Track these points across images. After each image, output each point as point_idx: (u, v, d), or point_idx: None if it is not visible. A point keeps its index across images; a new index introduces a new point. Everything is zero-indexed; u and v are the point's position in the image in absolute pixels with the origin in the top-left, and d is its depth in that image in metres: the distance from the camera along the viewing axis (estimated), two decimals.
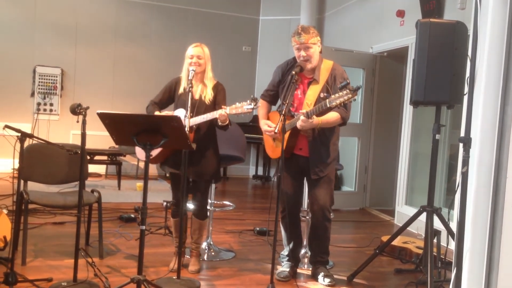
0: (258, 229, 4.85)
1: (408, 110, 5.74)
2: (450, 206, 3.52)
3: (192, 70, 3.43)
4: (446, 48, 3.20)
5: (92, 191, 3.87)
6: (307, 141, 3.45)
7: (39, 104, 7.55)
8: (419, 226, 4.42)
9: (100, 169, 7.65)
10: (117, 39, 8.05)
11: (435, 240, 3.42)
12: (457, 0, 4.83)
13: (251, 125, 7.47)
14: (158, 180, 7.73)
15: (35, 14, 7.60)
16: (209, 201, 4.16)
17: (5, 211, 3.29)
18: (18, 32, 7.51)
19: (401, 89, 6.40)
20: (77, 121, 3.11)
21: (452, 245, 2.72)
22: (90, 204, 3.83)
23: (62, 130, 7.58)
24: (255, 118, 5.63)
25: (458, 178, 2.51)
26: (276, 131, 3.24)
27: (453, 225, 2.72)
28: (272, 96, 3.70)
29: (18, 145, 3.19)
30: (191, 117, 3.38)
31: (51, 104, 7.64)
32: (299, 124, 3.28)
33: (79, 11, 7.82)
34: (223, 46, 8.40)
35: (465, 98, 2.49)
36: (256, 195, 7.75)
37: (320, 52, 3.47)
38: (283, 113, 3.14)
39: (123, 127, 2.91)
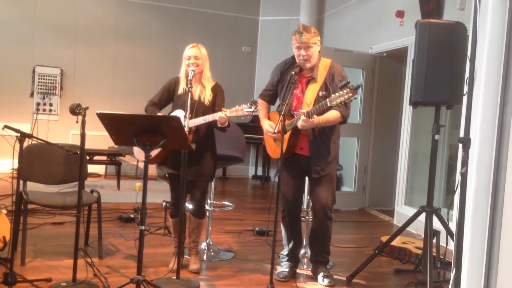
0: (257, 229, 4.85)
1: (407, 111, 5.74)
2: (450, 206, 3.53)
3: (192, 70, 3.43)
4: (445, 49, 3.20)
5: (92, 191, 3.86)
6: (308, 140, 3.45)
7: (38, 104, 7.55)
8: (418, 227, 4.42)
9: (100, 169, 7.65)
10: (117, 39, 8.05)
11: (434, 241, 3.42)
12: (456, 1, 4.83)
13: (250, 126, 7.47)
14: (158, 180, 7.73)
15: (35, 14, 7.60)
16: (209, 201, 4.16)
17: (4, 211, 3.29)
18: (17, 32, 7.51)
19: (401, 89, 6.40)
20: (77, 121, 3.11)
21: (452, 246, 2.72)
22: (90, 204, 3.83)
23: (61, 130, 7.58)
24: (255, 119, 5.62)
25: (458, 179, 2.51)
26: (275, 131, 3.24)
27: (453, 226, 2.72)
28: (270, 96, 3.70)
29: (17, 145, 3.19)
30: (190, 118, 3.38)
31: (51, 104, 7.63)
32: (299, 124, 3.28)
33: (79, 11, 7.81)
34: (222, 46, 8.40)
35: (465, 98, 2.49)
36: (256, 195, 7.75)
37: (319, 51, 3.47)
38: (282, 113, 3.14)
39: (122, 128, 2.91)
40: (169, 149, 3.44)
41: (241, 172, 8.75)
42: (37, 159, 3.86)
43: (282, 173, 3.21)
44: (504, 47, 2.31)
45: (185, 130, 3.12)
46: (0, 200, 5.05)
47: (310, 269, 3.73)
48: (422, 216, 3.50)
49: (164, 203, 4.57)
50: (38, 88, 7.55)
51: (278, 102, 3.69)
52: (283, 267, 3.66)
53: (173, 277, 3.33)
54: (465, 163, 2.41)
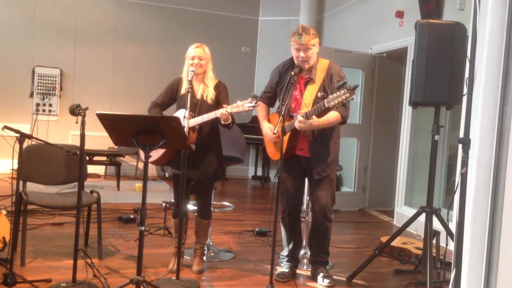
0: (257, 229, 4.85)
1: (407, 111, 5.74)
2: (449, 206, 3.53)
3: (192, 71, 3.43)
4: (445, 49, 3.20)
5: (91, 192, 3.86)
6: (308, 141, 3.45)
7: (38, 104, 7.55)
8: (418, 227, 4.42)
9: (99, 169, 7.64)
10: (117, 39, 8.05)
11: (434, 241, 3.42)
12: (456, 1, 4.83)
13: (250, 126, 7.47)
14: (158, 180, 7.73)
15: (35, 15, 7.59)
16: None
17: (4, 212, 3.29)
18: (17, 33, 7.51)
19: (400, 89, 6.41)
20: (76, 122, 3.10)
21: (451, 246, 2.72)
22: (89, 205, 3.83)
23: (61, 131, 7.57)
24: (255, 119, 5.63)
25: (457, 179, 2.51)
26: (275, 131, 3.24)
27: (452, 226, 2.72)
28: (270, 98, 3.69)
29: (17, 146, 3.19)
30: (193, 117, 3.38)
31: (50, 105, 7.63)
32: (296, 124, 3.27)
33: (79, 12, 7.81)
34: (222, 46, 8.40)
35: (464, 98, 2.49)
36: (256, 195, 7.75)
37: (317, 52, 3.47)
38: (282, 113, 3.14)
39: (122, 128, 2.90)
40: (172, 149, 3.44)
41: (241, 173, 8.75)
42: (37, 160, 3.86)
43: (282, 174, 3.20)
44: (504, 47, 2.31)
45: (185, 130, 3.12)
46: (0, 201, 5.05)
47: (310, 269, 3.73)
48: (422, 217, 3.50)
49: (164, 204, 4.57)
50: (38, 89, 7.55)
51: (277, 104, 3.69)
52: (283, 268, 3.66)
53: (173, 278, 3.33)
54: (465, 163, 2.41)
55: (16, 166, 3.46)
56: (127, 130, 2.87)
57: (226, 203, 5.58)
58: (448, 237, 3.48)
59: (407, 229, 3.69)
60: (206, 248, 4.06)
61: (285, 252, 3.74)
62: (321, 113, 3.29)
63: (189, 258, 3.82)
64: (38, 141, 3.40)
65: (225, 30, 8.62)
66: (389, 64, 6.58)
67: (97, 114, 2.84)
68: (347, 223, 5.78)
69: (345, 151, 6.56)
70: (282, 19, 8.59)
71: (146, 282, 2.86)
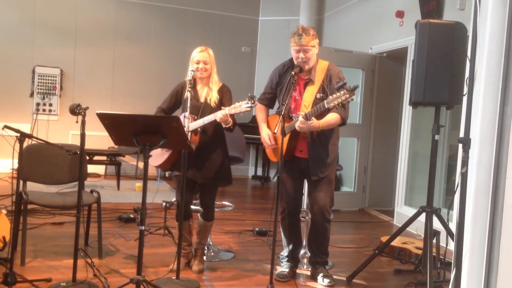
0: (257, 229, 4.85)
1: (407, 111, 5.74)
2: (450, 206, 3.53)
3: (191, 71, 3.43)
4: (445, 49, 3.20)
5: (91, 192, 3.86)
6: (306, 143, 3.45)
7: (38, 104, 7.54)
8: (418, 227, 4.42)
9: (99, 169, 7.65)
10: (117, 39, 8.05)
11: (434, 241, 3.42)
12: (456, 1, 4.83)
13: (250, 126, 7.46)
14: (158, 180, 7.72)
15: (35, 14, 7.59)
16: None
17: (4, 212, 3.29)
18: (17, 32, 7.51)
19: (401, 89, 6.40)
20: (77, 122, 3.10)
21: (452, 246, 2.72)
22: (89, 204, 3.83)
23: (61, 131, 7.57)
24: (255, 119, 5.62)
25: (458, 179, 2.51)
26: (275, 131, 3.24)
27: (453, 226, 2.72)
28: (269, 99, 3.69)
29: (17, 146, 3.19)
30: (195, 120, 3.38)
31: (50, 105, 7.63)
32: (297, 125, 3.27)
33: (79, 11, 7.81)
34: (222, 46, 8.40)
35: (465, 98, 2.49)
36: (256, 195, 7.75)
37: (317, 53, 3.47)
38: (282, 114, 3.14)
39: (122, 128, 2.90)
40: (177, 152, 3.43)
41: (241, 172, 8.75)
42: (37, 159, 3.86)
43: (282, 174, 3.20)
44: (504, 47, 2.31)
45: (185, 130, 3.12)
46: (0, 200, 5.05)
47: (309, 269, 3.73)
48: (422, 216, 3.50)
49: (164, 203, 4.57)
50: (38, 88, 7.55)
51: (277, 105, 3.69)
52: (283, 268, 3.66)
53: (173, 277, 3.33)
54: (465, 163, 2.41)
55: (16, 166, 3.46)
56: (127, 130, 2.87)
57: (226, 203, 5.58)
58: (448, 237, 3.49)
59: (407, 229, 3.70)
60: (206, 248, 4.06)
61: (285, 252, 3.74)
62: (321, 114, 3.29)
63: (194, 258, 3.81)
64: (38, 141, 3.40)
65: (225, 30, 8.61)
66: (389, 64, 6.58)
67: (97, 114, 2.84)
68: (347, 223, 5.78)
69: (345, 151, 6.56)
70: (282, 19, 8.59)
71: (146, 282, 2.86)
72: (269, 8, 8.79)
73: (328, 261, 3.73)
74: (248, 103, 3.15)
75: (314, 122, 3.26)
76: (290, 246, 3.67)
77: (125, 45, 8.08)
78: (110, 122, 2.90)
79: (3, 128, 3.24)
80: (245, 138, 4.67)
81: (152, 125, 2.87)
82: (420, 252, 3.91)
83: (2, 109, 7.37)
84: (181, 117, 3.42)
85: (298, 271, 3.75)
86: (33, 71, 7.54)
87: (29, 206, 3.61)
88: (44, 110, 7.58)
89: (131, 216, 4.97)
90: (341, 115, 3.38)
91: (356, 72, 6.49)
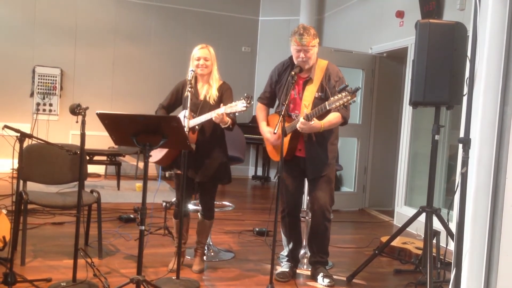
0: (257, 229, 4.85)
1: (407, 111, 5.74)
2: (450, 206, 3.52)
3: (192, 70, 3.43)
4: (445, 49, 3.20)
5: (92, 192, 3.86)
6: (304, 142, 3.45)
7: (38, 104, 7.55)
8: (418, 227, 4.42)
9: (100, 169, 7.65)
10: (117, 39, 8.05)
11: (434, 241, 3.42)
12: (456, 1, 4.83)
13: (250, 126, 7.46)
14: (158, 180, 7.72)
15: (35, 14, 7.59)
16: None
17: (4, 211, 3.29)
18: (17, 32, 7.51)
19: (401, 89, 6.40)
20: (77, 122, 3.11)
21: (452, 246, 2.72)
22: (90, 204, 3.83)
23: (61, 131, 7.57)
24: (255, 119, 5.62)
25: (458, 179, 2.51)
26: (275, 131, 3.24)
27: (453, 226, 2.72)
28: (269, 98, 3.69)
29: (17, 145, 3.19)
30: (194, 117, 3.38)
31: (51, 104, 7.63)
32: (298, 126, 3.28)
33: (79, 11, 7.81)
34: (222, 46, 8.39)
35: (465, 98, 2.49)
36: (256, 195, 7.75)
37: (316, 52, 3.47)
38: (282, 114, 3.14)
39: (122, 128, 2.90)
40: (174, 149, 3.43)
41: (241, 172, 8.75)
42: (37, 159, 3.86)
43: (282, 174, 3.20)
44: (504, 47, 2.31)
45: (185, 130, 3.12)
46: (0, 200, 5.05)
47: (309, 269, 3.73)
48: (422, 217, 3.50)
49: (164, 203, 4.57)
50: (38, 88, 7.55)
51: (276, 103, 3.69)
52: (283, 268, 3.66)
53: (173, 277, 3.33)
54: (465, 163, 2.41)
55: (16, 166, 3.46)
56: (127, 130, 2.87)
57: (226, 203, 5.56)
58: (448, 237, 3.48)
59: (407, 229, 3.69)
60: (206, 248, 4.06)
61: (285, 252, 3.74)
62: (322, 115, 3.29)
63: (189, 257, 3.82)
64: (38, 141, 3.40)
65: (225, 30, 8.61)
66: (390, 64, 6.58)
67: (97, 114, 2.84)
68: (347, 223, 5.78)
69: (345, 151, 6.57)
70: (282, 19, 8.59)
71: (146, 282, 2.86)
72: (269, 8, 8.79)
73: (328, 261, 3.73)
74: (244, 102, 3.15)
75: (316, 123, 3.26)
76: (290, 245, 3.67)
77: (125, 45, 8.08)
78: (110, 122, 2.90)
79: (3, 128, 3.24)
80: (245, 138, 4.67)
81: (152, 125, 2.87)
82: (420, 252, 3.91)
83: (2, 109, 7.37)
84: (181, 116, 3.42)
85: (298, 271, 3.74)
86: (33, 71, 7.54)
87: (29, 206, 3.61)
88: (44, 110, 7.59)
89: (131, 216, 4.97)
90: (343, 114, 3.38)
91: (356, 72, 6.49)
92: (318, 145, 3.46)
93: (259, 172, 8.64)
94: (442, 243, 3.73)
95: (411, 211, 4.86)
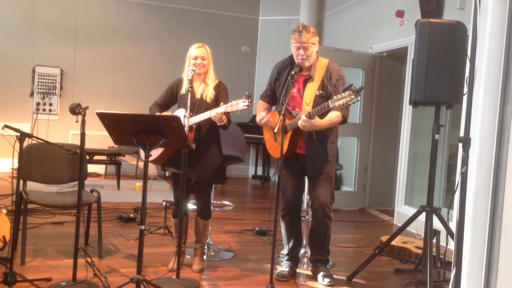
0: (257, 229, 4.85)
1: (407, 110, 5.74)
2: (450, 206, 3.52)
3: (192, 70, 3.43)
4: (445, 48, 3.20)
5: (92, 191, 3.86)
6: (304, 139, 3.46)
7: (38, 104, 7.54)
8: (418, 226, 4.42)
9: (100, 169, 7.65)
10: (117, 39, 8.05)
11: (434, 240, 3.42)
12: (456, 0, 4.83)
13: (250, 125, 7.47)
14: (158, 180, 7.73)
15: (35, 14, 7.59)
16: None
17: (4, 211, 3.29)
18: (17, 32, 7.51)
19: (401, 89, 6.40)
20: (77, 121, 3.11)
21: (452, 245, 2.72)
22: (90, 204, 3.83)
23: (61, 130, 7.57)
24: (255, 118, 5.63)
25: (458, 178, 2.51)
26: (275, 131, 3.24)
27: (453, 225, 2.72)
28: (270, 96, 3.69)
29: (17, 145, 3.19)
30: (191, 116, 3.38)
31: (51, 104, 7.63)
32: (300, 123, 3.28)
33: (79, 11, 7.81)
34: (222, 46, 8.40)
35: (465, 98, 2.49)
36: (256, 195, 7.75)
37: (317, 51, 3.47)
38: (282, 112, 3.14)
39: (122, 127, 2.90)
40: (171, 149, 3.44)
41: (241, 172, 8.75)
42: (37, 159, 3.86)
43: (282, 172, 3.21)
44: (504, 47, 2.31)
45: (185, 129, 3.12)
46: (0, 200, 5.05)
47: (310, 268, 3.73)
48: (422, 216, 3.50)
49: (164, 203, 4.57)
50: (38, 88, 7.55)
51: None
52: (283, 267, 3.66)
53: (173, 277, 3.33)
54: (465, 162, 2.41)
55: (16, 165, 3.46)
56: (127, 129, 2.87)
57: (226, 202, 5.58)
58: (448, 236, 3.48)
59: (407, 228, 3.69)
60: (206, 247, 4.06)
61: (285, 251, 3.75)
62: (324, 113, 3.30)
63: (189, 257, 3.82)
64: (38, 140, 3.40)
65: (225, 29, 8.61)
66: (390, 64, 6.58)
67: (97, 113, 2.84)
68: (347, 222, 5.78)
69: (345, 150, 6.57)
70: (282, 18, 8.59)
71: (146, 281, 2.86)
72: (269, 8, 8.79)
73: (329, 260, 3.73)
74: (245, 101, 3.15)
75: (317, 121, 3.27)
76: (291, 244, 3.67)
77: (126, 45, 8.08)
78: (110, 121, 2.90)
79: (3, 128, 3.24)
80: (245, 137, 4.67)
81: (152, 124, 2.87)
82: (420, 251, 3.91)
83: (2, 108, 7.37)
84: (179, 113, 3.42)
85: (298, 270, 3.75)
86: (33, 71, 7.53)
87: (29, 206, 3.61)
88: (44, 109, 7.58)
89: (131, 215, 4.97)
90: (343, 114, 3.39)
91: (356, 72, 6.49)
92: (319, 142, 3.46)
93: (259, 172, 8.64)
94: (442, 243, 3.73)
95: (411, 211, 4.86)
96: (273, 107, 3.77)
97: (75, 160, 3.78)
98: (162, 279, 3.31)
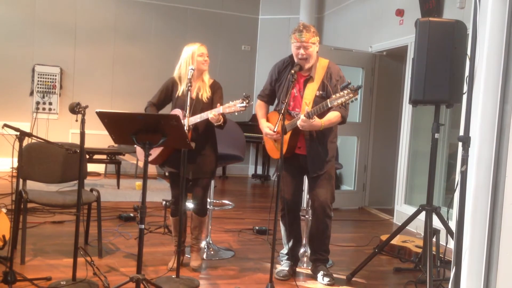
0: (257, 228, 4.85)
1: (407, 109, 5.74)
2: (449, 205, 3.52)
3: (191, 69, 3.43)
4: (445, 47, 3.20)
5: (91, 190, 3.86)
6: (305, 140, 3.45)
7: (38, 103, 7.54)
8: (418, 225, 4.42)
9: (99, 168, 7.65)
10: (117, 38, 8.04)
11: (434, 239, 3.42)
12: None
13: (250, 124, 7.46)
14: (157, 179, 7.73)
15: (35, 13, 7.59)
16: (208, 200, 4.16)
17: (4, 210, 3.29)
18: (17, 31, 7.50)
19: (400, 88, 6.40)
20: (76, 120, 3.11)
21: (451, 244, 2.73)
22: (89, 203, 3.84)
23: (61, 129, 7.58)
24: (255, 117, 5.62)
25: (457, 177, 2.51)
26: (275, 130, 3.24)
27: (452, 224, 2.72)
28: (268, 96, 3.69)
29: (17, 144, 3.18)
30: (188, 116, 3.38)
31: (50, 103, 7.63)
32: (299, 123, 3.28)
33: (79, 11, 7.81)
34: (222, 45, 8.40)
35: (464, 97, 2.49)
36: (256, 194, 7.75)
37: (317, 51, 3.47)
38: (282, 112, 3.14)
39: (122, 126, 2.90)
40: (170, 148, 3.44)
41: (241, 171, 8.75)
42: (36, 158, 3.86)
43: (282, 172, 3.21)
44: (504, 46, 2.31)
45: (186, 128, 3.12)
46: (0, 199, 5.05)
47: (310, 268, 3.73)
48: (422, 215, 3.50)
49: (164, 202, 4.57)
50: (38, 87, 7.55)
51: (276, 102, 3.69)
52: (283, 266, 3.66)
53: (173, 276, 3.33)
54: (465, 161, 2.41)
55: (16, 165, 3.45)
56: (127, 128, 2.87)
57: (226, 202, 5.57)
58: (448, 235, 3.49)
59: (407, 227, 3.69)
60: (206, 246, 4.07)
61: (285, 250, 3.75)
62: (323, 112, 3.29)
63: (189, 256, 3.81)
64: (38, 140, 3.40)
65: (225, 28, 8.61)
66: (389, 63, 6.58)
67: (97, 112, 2.84)
68: (347, 221, 5.78)
69: (345, 149, 6.57)
70: (282, 17, 8.58)
71: (146, 280, 2.86)
72: (269, 7, 8.79)
73: (329, 259, 3.73)
74: (242, 102, 3.17)
75: (316, 121, 3.26)
76: (290, 243, 3.67)
77: (125, 44, 8.07)
78: (110, 120, 2.90)
79: (3, 127, 3.23)
80: (245, 136, 4.67)
81: (151, 123, 2.87)
82: (420, 250, 3.91)
83: (2, 107, 7.37)
84: (177, 112, 3.42)
85: (298, 269, 3.75)
86: (33, 70, 7.53)
87: (29, 205, 3.61)
88: (44, 108, 7.58)
89: (131, 214, 4.97)
90: (342, 113, 3.39)
91: (356, 71, 6.49)
92: (319, 142, 3.46)
93: (259, 171, 8.63)
94: (442, 242, 3.73)
95: (411, 210, 4.87)
96: (271, 108, 3.77)
97: (74, 159, 3.77)
98: (162, 278, 3.31)
